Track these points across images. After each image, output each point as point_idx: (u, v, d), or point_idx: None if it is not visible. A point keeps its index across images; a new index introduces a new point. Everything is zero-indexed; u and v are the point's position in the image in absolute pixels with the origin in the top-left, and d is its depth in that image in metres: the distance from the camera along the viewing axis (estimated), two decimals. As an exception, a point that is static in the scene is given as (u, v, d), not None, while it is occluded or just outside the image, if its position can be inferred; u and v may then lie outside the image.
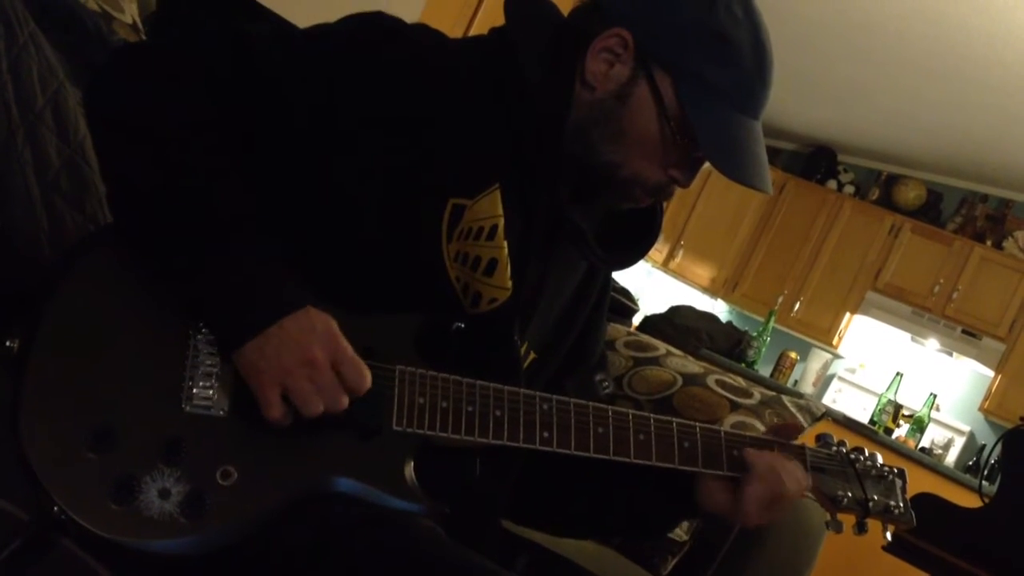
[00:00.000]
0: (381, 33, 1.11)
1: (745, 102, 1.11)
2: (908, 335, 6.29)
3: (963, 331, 6.04)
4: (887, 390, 5.68)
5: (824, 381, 6.60)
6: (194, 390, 0.98)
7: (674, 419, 1.12)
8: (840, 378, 6.63)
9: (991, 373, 5.92)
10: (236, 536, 0.97)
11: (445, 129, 1.09)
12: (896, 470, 1.19)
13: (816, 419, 2.02)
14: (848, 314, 6.50)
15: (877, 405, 5.70)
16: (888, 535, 1.16)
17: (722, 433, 1.13)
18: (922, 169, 6.67)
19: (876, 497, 1.16)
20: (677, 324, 4.81)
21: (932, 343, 6.18)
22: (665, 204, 1.25)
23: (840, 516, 1.17)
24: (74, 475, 0.92)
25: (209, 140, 1.01)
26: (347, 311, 1.03)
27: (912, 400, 5.85)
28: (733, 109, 1.10)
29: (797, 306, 6.65)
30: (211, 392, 0.99)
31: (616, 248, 1.22)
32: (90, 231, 1.38)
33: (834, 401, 6.49)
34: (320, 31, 1.12)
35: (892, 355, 6.42)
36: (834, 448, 1.19)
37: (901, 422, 5.55)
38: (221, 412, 0.99)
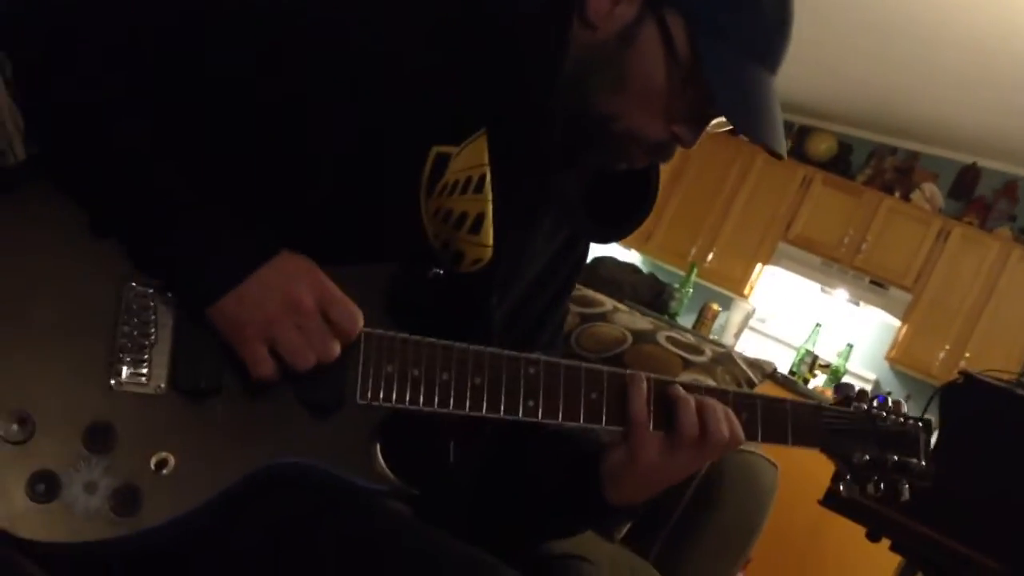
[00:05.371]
0: None
1: (765, 53, 0.98)
2: (818, 286, 6.38)
3: (871, 281, 6.15)
4: (806, 341, 5.75)
5: (745, 333, 6.65)
6: (124, 364, 0.83)
7: (676, 380, 1.00)
8: (751, 328, 6.69)
9: (898, 323, 6.05)
10: (180, 532, 0.83)
11: (427, 67, 0.95)
12: (922, 422, 1.10)
13: (767, 375, 1.96)
14: (760, 265, 6.56)
15: (796, 356, 5.76)
16: (906, 493, 1.08)
17: (730, 393, 1.03)
18: (834, 121, 6.72)
19: (896, 457, 1.07)
20: (602, 275, 4.75)
21: (841, 293, 6.28)
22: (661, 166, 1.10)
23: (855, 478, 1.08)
24: None
25: (146, 103, 0.89)
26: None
27: (826, 351, 5.94)
28: (751, 60, 0.97)
29: (710, 257, 6.68)
30: (145, 365, 0.84)
31: (603, 216, 1.09)
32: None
33: (748, 351, 6.54)
34: None
35: (803, 306, 6.51)
36: (853, 405, 1.10)
37: (818, 372, 5.63)
38: (157, 389, 0.84)
